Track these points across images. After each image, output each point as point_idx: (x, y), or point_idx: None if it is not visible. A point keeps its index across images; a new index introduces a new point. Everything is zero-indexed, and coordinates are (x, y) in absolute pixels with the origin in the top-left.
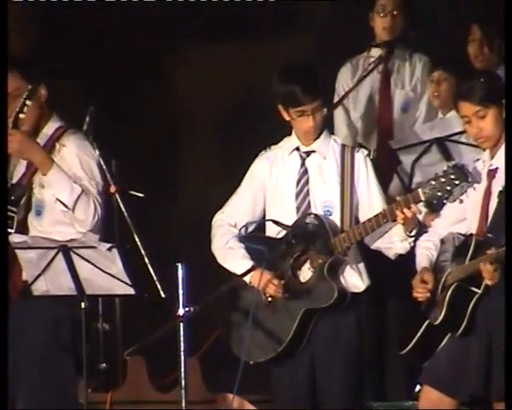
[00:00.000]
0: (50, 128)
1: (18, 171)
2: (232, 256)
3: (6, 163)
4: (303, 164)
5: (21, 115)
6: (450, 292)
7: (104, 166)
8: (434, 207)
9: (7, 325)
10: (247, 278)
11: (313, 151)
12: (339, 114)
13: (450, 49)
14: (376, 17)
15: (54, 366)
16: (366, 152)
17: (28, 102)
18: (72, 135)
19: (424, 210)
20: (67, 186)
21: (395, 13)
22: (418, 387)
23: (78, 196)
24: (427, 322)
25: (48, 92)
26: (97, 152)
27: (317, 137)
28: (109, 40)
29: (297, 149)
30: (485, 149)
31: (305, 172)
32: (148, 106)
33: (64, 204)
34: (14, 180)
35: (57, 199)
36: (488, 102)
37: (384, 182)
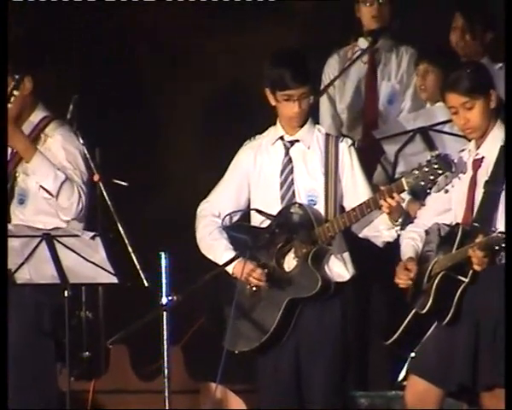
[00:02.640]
0: (36, 117)
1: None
2: (215, 247)
3: (5, 158)
4: (287, 153)
5: (9, 105)
6: (437, 280)
7: (88, 156)
8: (418, 195)
9: (6, 325)
10: (230, 269)
11: (297, 140)
12: (324, 104)
13: (434, 40)
14: (363, 7)
15: (36, 354)
16: (350, 142)
17: (15, 93)
18: (58, 126)
19: (408, 198)
20: (51, 173)
21: (381, 1)
22: (401, 376)
23: (62, 183)
24: (413, 312)
25: (33, 83)
26: (81, 141)
27: (302, 127)
28: (96, 27)
29: (281, 138)
30: (470, 140)
31: (290, 161)
32: (133, 94)
33: (48, 191)
34: None
35: (40, 186)
36: (476, 93)
37: (368, 172)
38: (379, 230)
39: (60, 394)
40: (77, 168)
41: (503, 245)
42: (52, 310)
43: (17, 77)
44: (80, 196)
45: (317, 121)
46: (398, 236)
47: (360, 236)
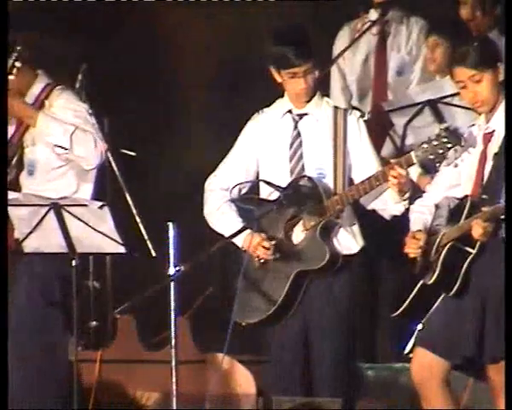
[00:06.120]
0: (37, 88)
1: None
2: (223, 221)
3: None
4: (296, 127)
5: (11, 77)
6: (444, 252)
7: (96, 125)
8: (428, 169)
9: (7, 325)
10: (238, 241)
11: (306, 114)
12: (334, 76)
13: (445, 12)
14: None
15: (44, 324)
16: (359, 114)
17: (17, 64)
18: (61, 91)
19: (419, 171)
20: (59, 128)
21: None
22: (408, 348)
23: (72, 133)
24: (420, 283)
25: (35, 52)
26: (89, 109)
27: (310, 100)
28: None
29: (289, 111)
30: (480, 113)
31: (298, 134)
32: (143, 63)
33: (61, 147)
34: None
35: (54, 145)
36: (483, 66)
37: (377, 144)
38: (387, 203)
39: (67, 363)
40: (87, 122)
41: None
42: (60, 279)
43: (19, 48)
44: (96, 141)
45: (327, 93)
46: (406, 209)
47: (368, 208)
